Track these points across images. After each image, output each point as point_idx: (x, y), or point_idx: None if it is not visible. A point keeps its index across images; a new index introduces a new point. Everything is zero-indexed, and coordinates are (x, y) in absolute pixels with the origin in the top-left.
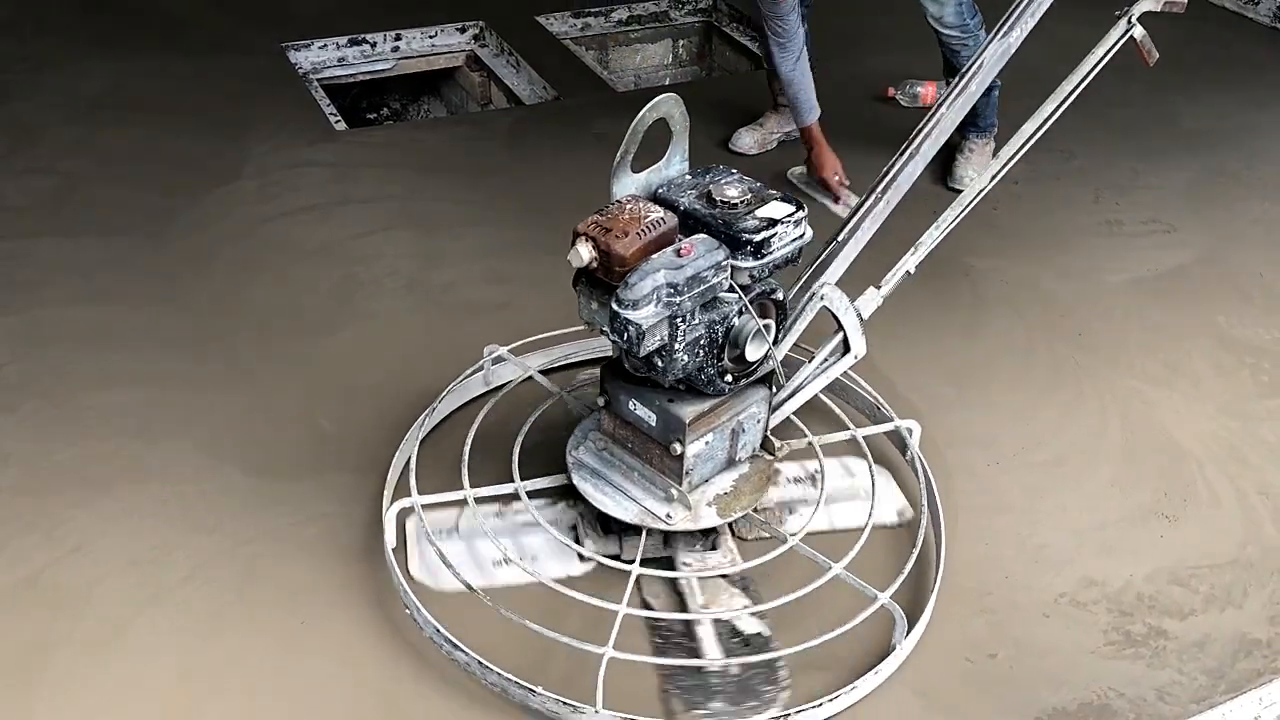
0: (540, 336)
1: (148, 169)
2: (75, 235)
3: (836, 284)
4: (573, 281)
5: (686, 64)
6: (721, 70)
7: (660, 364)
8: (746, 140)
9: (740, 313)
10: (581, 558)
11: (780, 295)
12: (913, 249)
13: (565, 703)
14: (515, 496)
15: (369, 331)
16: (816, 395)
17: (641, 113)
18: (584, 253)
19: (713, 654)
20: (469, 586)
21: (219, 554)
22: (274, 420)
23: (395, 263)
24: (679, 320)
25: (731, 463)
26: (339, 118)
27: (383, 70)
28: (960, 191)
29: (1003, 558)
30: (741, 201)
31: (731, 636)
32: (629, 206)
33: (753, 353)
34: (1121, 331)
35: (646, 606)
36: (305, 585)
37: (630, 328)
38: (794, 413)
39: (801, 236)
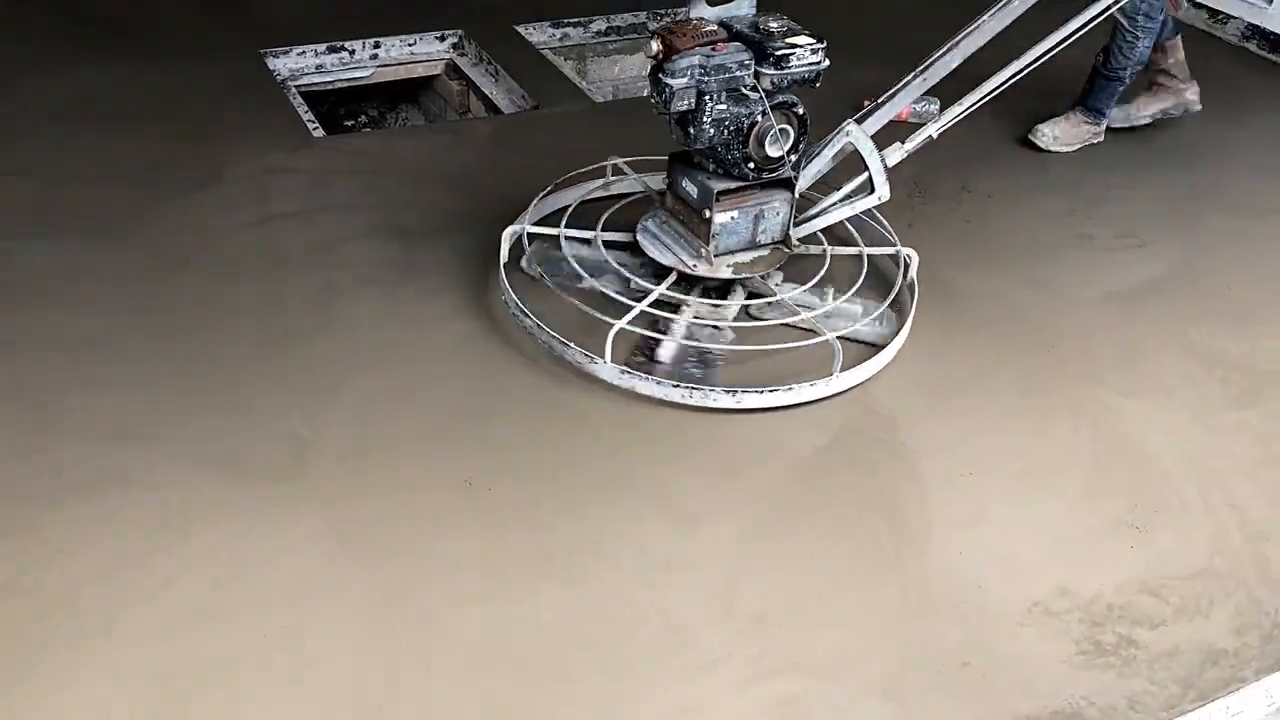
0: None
1: (125, 174)
2: (53, 239)
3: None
4: (648, 74)
5: None
6: None
7: (692, 131)
8: (1115, 114)
9: (763, 113)
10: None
11: (801, 110)
12: (936, 119)
13: (586, 354)
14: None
15: (348, 338)
16: (843, 223)
17: None
18: (654, 45)
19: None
20: (539, 275)
21: (200, 557)
22: (254, 425)
23: (374, 270)
24: (706, 96)
25: (754, 244)
26: (317, 125)
27: (361, 78)
28: (1035, 144)
29: (976, 567)
30: (778, 31)
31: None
32: (694, 22)
33: (772, 149)
34: (1094, 344)
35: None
36: (282, 590)
37: (665, 89)
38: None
39: (819, 62)
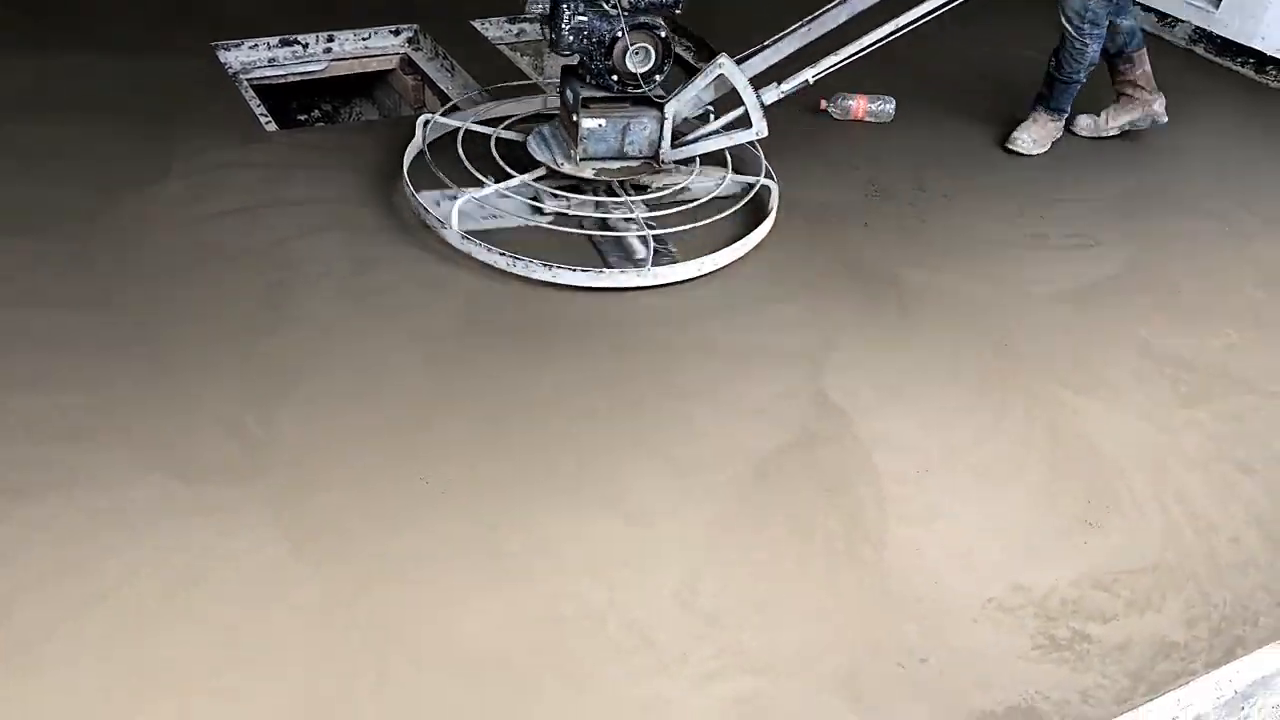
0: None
1: (73, 169)
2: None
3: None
4: None
5: None
6: None
7: (554, 36)
8: (1084, 122)
9: (623, 31)
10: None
11: (665, 34)
12: (813, 65)
13: (439, 220)
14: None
15: (301, 335)
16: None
17: None
18: None
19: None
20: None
21: (149, 561)
22: (204, 425)
23: (328, 265)
24: (564, 4)
25: (622, 155)
26: (269, 119)
27: (314, 71)
28: (1014, 152)
29: (933, 564)
30: None
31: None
32: None
33: (632, 65)
34: (1047, 342)
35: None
36: (237, 594)
37: None
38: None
39: None
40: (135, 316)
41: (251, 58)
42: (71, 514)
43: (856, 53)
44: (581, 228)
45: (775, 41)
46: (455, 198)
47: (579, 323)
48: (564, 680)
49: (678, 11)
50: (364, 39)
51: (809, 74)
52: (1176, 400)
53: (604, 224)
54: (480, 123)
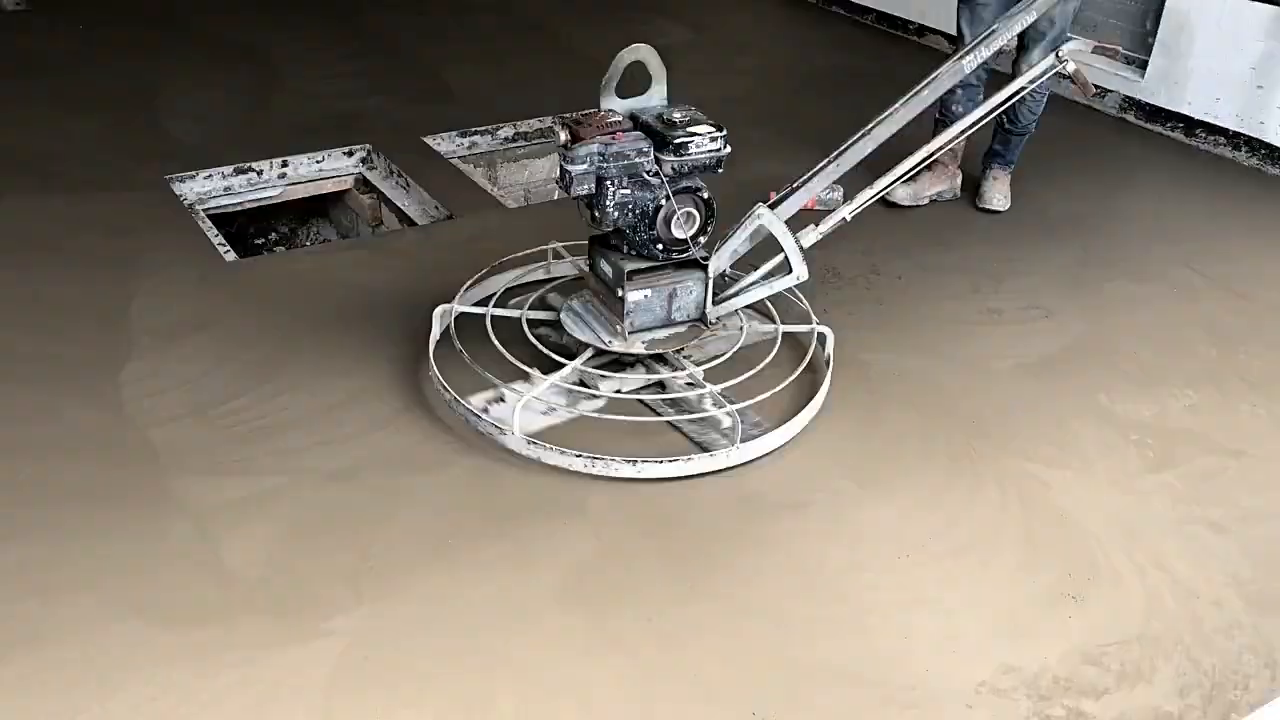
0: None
1: (30, 313)
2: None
3: (787, 223)
4: (558, 155)
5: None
6: None
7: (597, 214)
8: (900, 193)
9: (666, 197)
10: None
11: (707, 195)
12: (850, 202)
13: (497, 426)
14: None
15: (270, 470)
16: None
17: (621, 53)
18: (562, 134)
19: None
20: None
21: (125, 714)
22: (178, 567)
23: (295, 398)
24: (607, 181)
25: (669, 323)
26: (228, 247)
27: (271, 197)
28: (991, 210)
29: (921, 650)
30: (681, 121)
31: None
32: (602, 113)
33: (677, 231)
34: (1013, 416)
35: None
36: None
37: (566, 174)
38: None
39: (718, 150)
40: (105, 460)
41: (206, 187)
42: (41, 670)
43: (892, 184)
44: (646, 408)
45: (805, 181)
46: (501, 398)
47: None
48: None
49: (719, 171)
50: (318, 162)
51: (845, 212)
52: (1144, 465)
53: (672, 401)
54: (480, 304)
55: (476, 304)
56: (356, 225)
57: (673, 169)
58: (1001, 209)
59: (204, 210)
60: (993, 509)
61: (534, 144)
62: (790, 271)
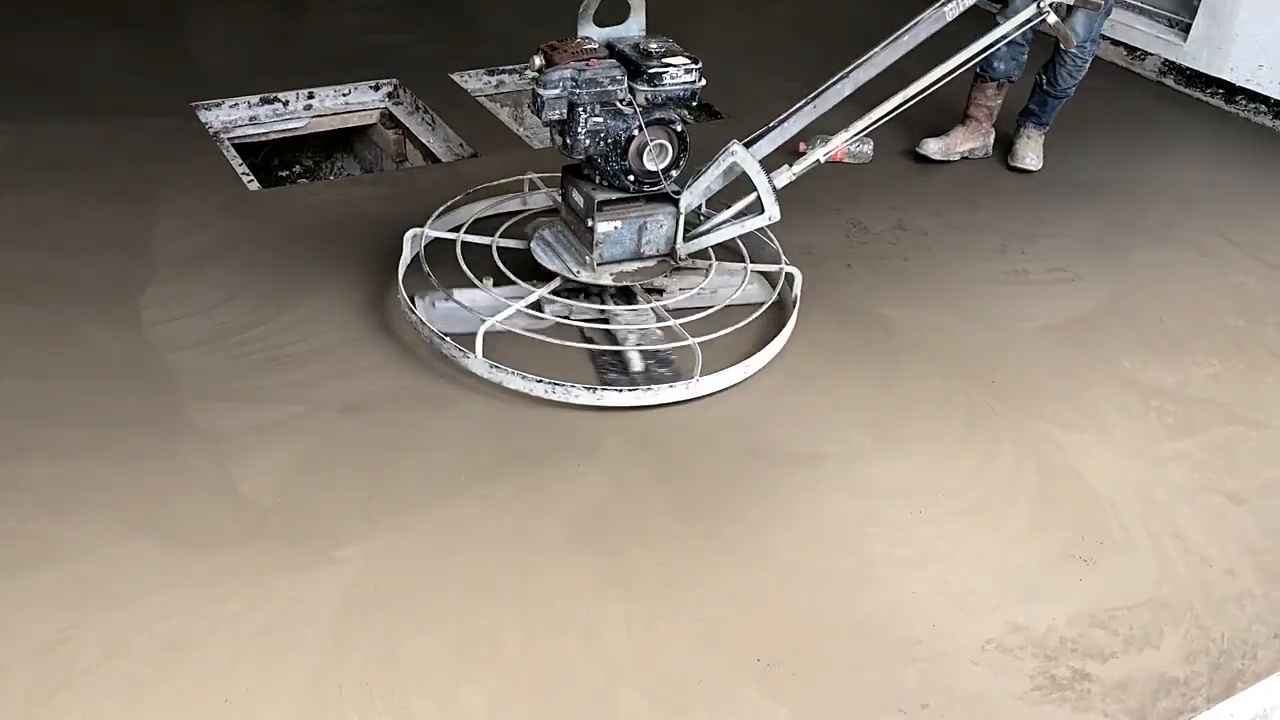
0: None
1: (54, 235)
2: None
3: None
4: (531, 83)
5: None
6: None
7: (569, 140)
8: (933, 146)
9: (639, 127)
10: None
11: (680, 128)
12: (822, 141)
13: (459, 349)
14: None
15: (287, 396)
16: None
17: None
18: (537, 60)
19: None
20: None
21: (136, 630)
22: (194, 491)
23: (306, 318)
24: (579, 108)
25: (638, 256)
26: (251, 177)
27: (295, 129)
28: (1024, 169)
29: (929, 606)
30: (657, 52)
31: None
32: (578, 40)
33: (649, 163)
34: (1033, 378)
35: (589, 341)
36: (227, 661)
37: (538, 99)
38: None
39: (693, 82)
40: (123, 382)
41: (232, 116)
42: (57, 586)
43: (866, 128)
44: (583, 336)
45: (782, 121)
46: (449, 296)
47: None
48: None
49: (693, 104)
50: (344, 95)
51: (819, 154)
52: (1163, 432)
53: (610, 334)
54: (466, 230)
55: (452, 230)
56: (380, 160)
57: (646, 99)
58: (1034, 168)
59: (229, 139)
60: (1008, 469)
61: None
62: (763, 211)
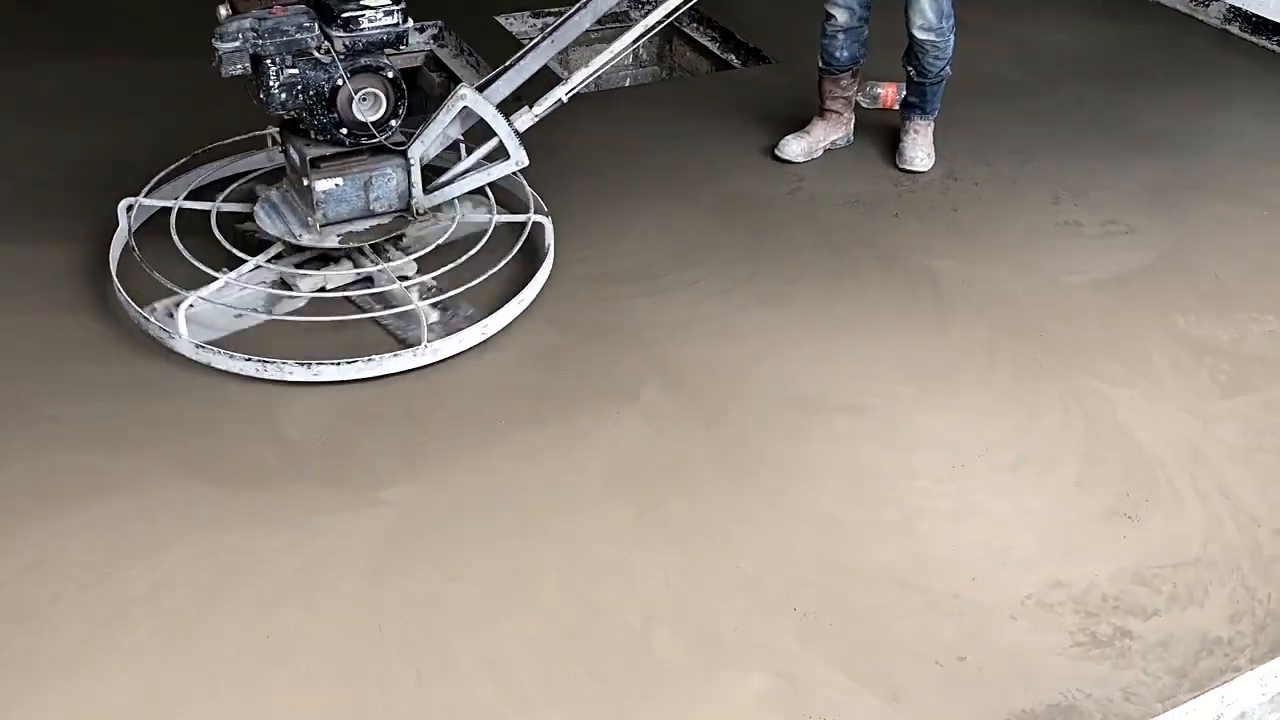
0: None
1: (103, 173)
2: (31, 241)
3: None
4: (212, 37)
5: (647, 64)
6: (682, 70)
7: (263, 97)
8: (793, 148)
9: (343, 78)
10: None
11: (393, 75)
12: (564, 81)
13: (164, 330)
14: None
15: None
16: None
17: None
18: (221, 10)
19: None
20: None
21: (182, 567)
22: (235, 428)
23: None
24: (266, 60)
25: (369, 213)
26: None
27: None
28: (912, 172)
29: (970, 560)
30: None
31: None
32: None
33: (361, 113)
34: (1082, 332)
35: (356, 306)
36: (270, 597)
37: (216, 53)
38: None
39: (396, 25)
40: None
41: None
42: (106, 519)
43: (607, 63)
44: (355, 305)
45: (518, 61)
46: (185, 300)
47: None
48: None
49: (400, 48)
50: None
51: (561, 92)
52: (1216, 390)
53: (378, 296)
54: (193, 195)
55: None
56: (425, 103)
57: (344, 45)
58: (924, 169)
59: None
60: (1054, 423)
61: (607, 28)
62: (508, 157)
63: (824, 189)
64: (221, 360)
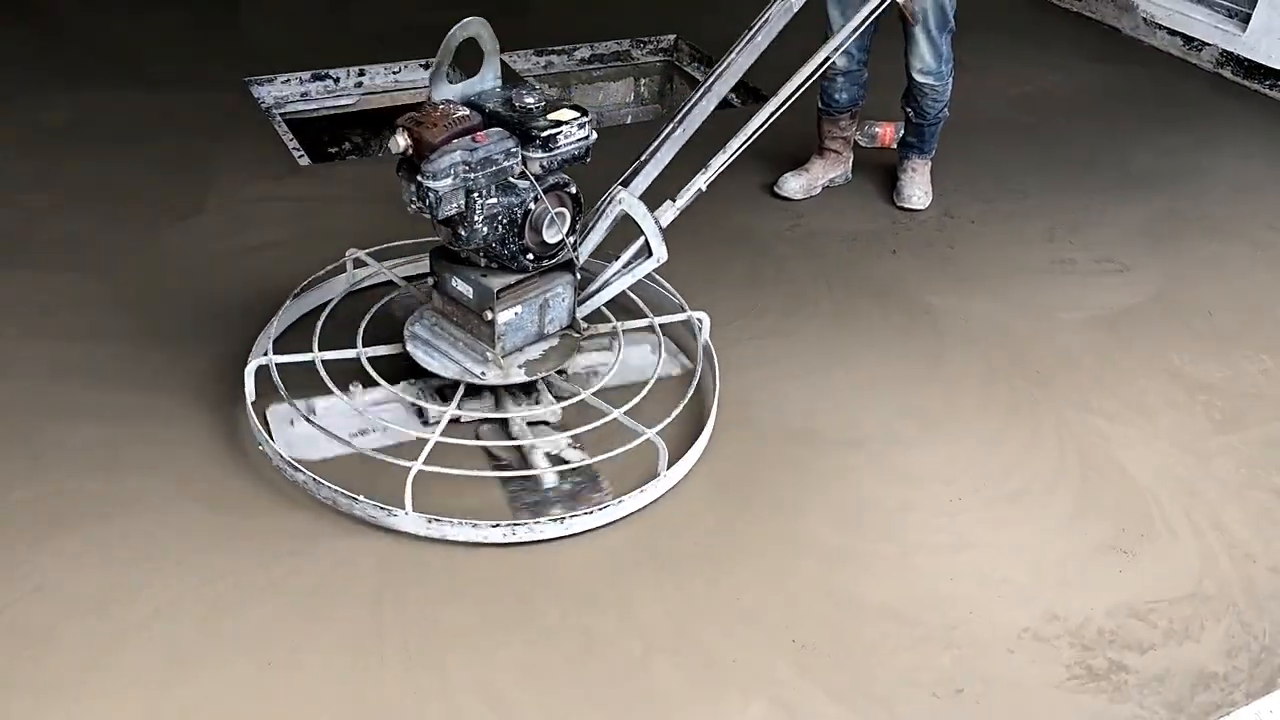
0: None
1: (109, 203)
2: (35, 270)
3: (641, 198)
4: (395, 168)
5: (648, 102)
6: None
7: (464, 233)
8: (792, 185)
9: (536, 199)
10: (421, 415)
11: (574, 189)
12: (704, 169)
13: (382, 507)
14: (357, 361)
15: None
16: (625, 293)
17: (452, 30)
18: (400, 141)
19: (542, 473)
20: (308, 418)
21: (184, 592)
22: (239, 458)
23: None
24: (475, 194)
25: (542, 336)
26: (303, 152)
27: (346, 106)
28: (910, 209)
29: (967, 593)
30: (536, 106)
31: (557, 464)
32: (441, 107)
33: (550, 235)
34: (1078, 368)
35: (489, 454)
36: (271, 624)
37: (430, 194)
38: (604, 305)
39: (587, 138)
40: (173, 349)
41: (284, 92)
42: (108, 544)
43: (742, 145)
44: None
45: (654, 152)
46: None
47: None
48: None
49: (588, 161)
50: (394, 73)
51: (701, 181)
52: (1210, 426)
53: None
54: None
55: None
56: None
57: (541, 166)
58: (922, 206)
59: (281, 115)
60: (1050, 459)
61: (609, 66)
62: (650, 255)
63: (822, 226)
64: (460, 531)
